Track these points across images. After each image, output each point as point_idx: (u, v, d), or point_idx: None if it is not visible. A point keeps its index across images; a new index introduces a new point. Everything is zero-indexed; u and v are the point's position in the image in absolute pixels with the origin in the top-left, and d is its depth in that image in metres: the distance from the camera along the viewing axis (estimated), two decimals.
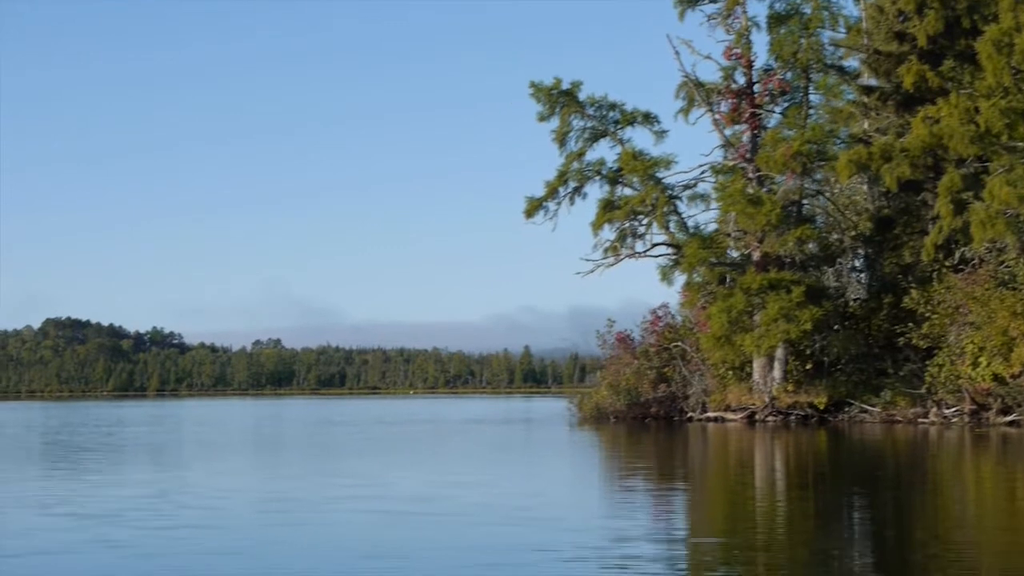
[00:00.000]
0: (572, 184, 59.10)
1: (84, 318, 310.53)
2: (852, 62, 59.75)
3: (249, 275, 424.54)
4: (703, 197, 59.37)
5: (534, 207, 58.82)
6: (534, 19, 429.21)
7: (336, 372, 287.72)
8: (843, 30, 58.75)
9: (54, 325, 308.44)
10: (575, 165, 58.92)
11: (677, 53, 57.52)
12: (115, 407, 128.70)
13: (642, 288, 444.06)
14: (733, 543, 16.91)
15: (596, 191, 59.25)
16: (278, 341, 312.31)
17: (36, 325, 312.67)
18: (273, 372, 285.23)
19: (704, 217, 60.19)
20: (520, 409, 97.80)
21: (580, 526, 18.61)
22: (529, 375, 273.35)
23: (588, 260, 58.28)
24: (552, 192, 58.88)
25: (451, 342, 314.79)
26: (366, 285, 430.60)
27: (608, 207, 58.34)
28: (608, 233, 58.39)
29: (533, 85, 58.66)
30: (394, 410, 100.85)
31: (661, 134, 59.01)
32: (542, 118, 58.87)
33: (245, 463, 36.16)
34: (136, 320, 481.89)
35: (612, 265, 58.17)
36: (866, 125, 58.01)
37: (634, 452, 39.56)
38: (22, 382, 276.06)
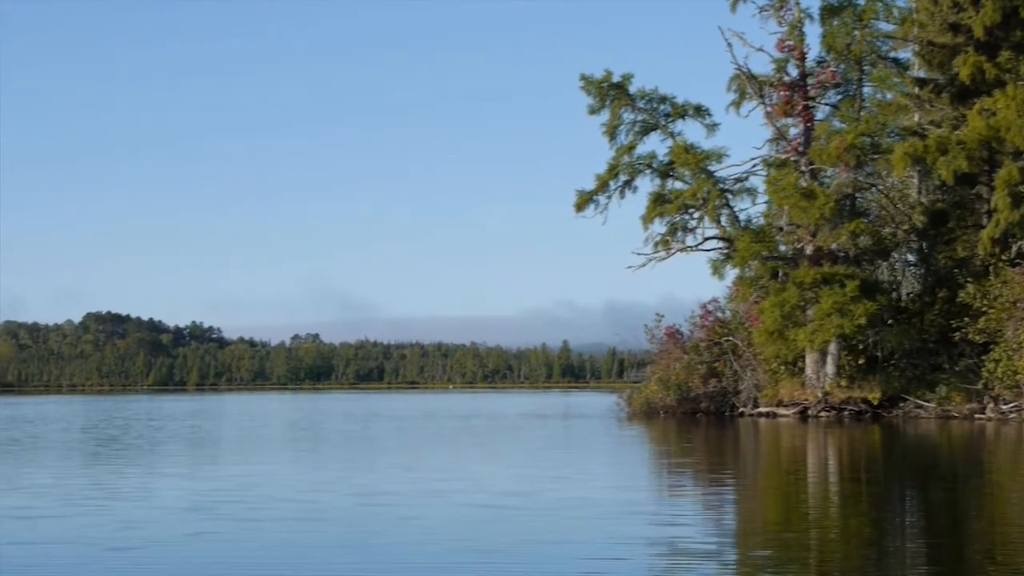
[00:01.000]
0: (622, 178, 58.76)
1: (124, 312, 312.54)
2: (903, 53, 59.17)
3: (287, 269, 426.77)
4: (754, 191, 59.14)
5: (584, 201, 58.49)
6: (584, 11, 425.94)
7: (374, 367, 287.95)
8: (893, 22, 58.20)
9: (94, 319, 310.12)
10: (625, 159, 58.59)
11: (729, 45, 57.09)
12: (159, 401, 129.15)
13: (681, 283, 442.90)
14: (788, 539, 16.74)
15: (646, 185, 59.05)
16: (316, 336, 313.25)
17: (77, 319, 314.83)
18: (312, 367, 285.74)
19: (755, 211, 59.23)
20: (565, 404, 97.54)
21: (681, 521, 18.61)
22: (567, 370, 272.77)
23: (639, 254, 58.00)
24: (602, 186, 58.54)
25: (487, 337, 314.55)
26: (402, 279, 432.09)
27: (658, 201, 57.96)
28: (658, 227, 58.16)
29: (583, 78, 58.37)
30: (439, 404, 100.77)
31: (712, 127, 58.67)
32: (592, 111, 58.56)
33: (318, 456, 36.15)
34: (175, 314, 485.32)
35: (663, 259, 57.87)
36: (916, 118, 57.45)
37: (690, 447, 39.20)
38: (63, 376, 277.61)
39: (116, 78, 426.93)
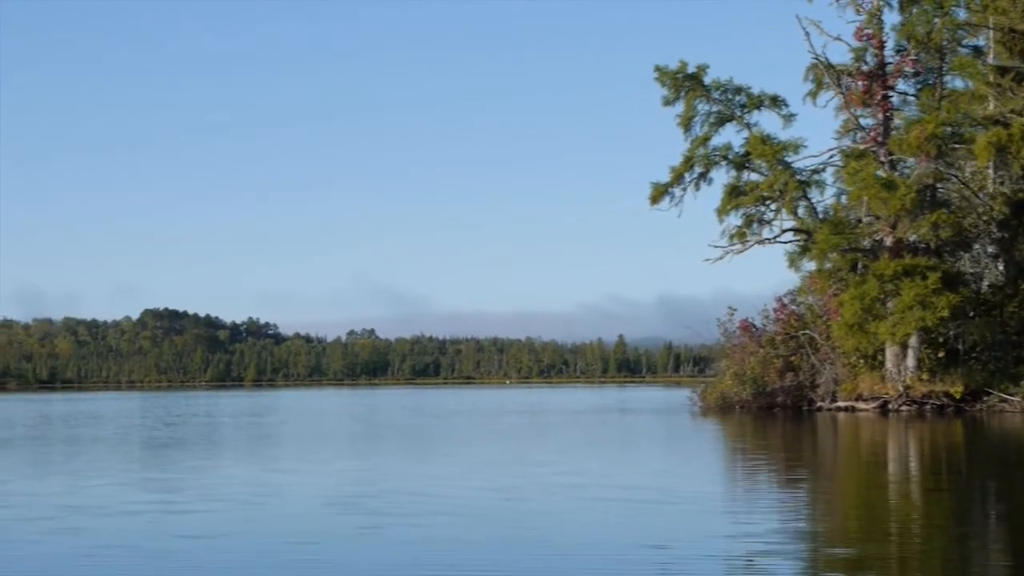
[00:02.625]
0: (698, 169, 58.14)
1: (181, 309, 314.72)
2: (980, 41, 58.19)
3: (342, 264, 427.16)
4: (832, 182, 58.45)
5: (660, 193, 57.92)
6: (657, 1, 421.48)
7: (430, 362, 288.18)
8: (975, 9, 57.19)
9: (152, 316, 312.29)
10: (700, 150, 57.95)
11: (807, 34, 56.23)
12: (223, 397, 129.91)
13: (735, 277, 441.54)
14: (869, 536, 16.30)
15: (721, 176, 58.41)
16: (372, 331, 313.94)
17: (135, 316, 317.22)
18: (368, 362, 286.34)
19: (830, 202, 58.37)
20: (631, 399, 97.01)
21: (761, 518, 18.25)
22: (623, 364, 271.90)
23: (716, 247, 57.35)
24: (678, 178, 57.92)
25: (539, 331, 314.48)
26: (454, 274, 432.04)
27: (734, 193, 57.32)
28: (734, 220, 57.52)
29: (658, 69, 57.76)
30: (505, 399, 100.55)
31: (789, 118, 57.82)
32: (667, 102, 57.98)
33: (419, 451, 36.02)
34: (232, 310, 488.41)
35: (740, 252, 57.20)
36: (991, 106, 56.44)
37: (770, 443, 38.61)
38: (122, 372, 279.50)
39: (166, 68, 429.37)
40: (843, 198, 58.72)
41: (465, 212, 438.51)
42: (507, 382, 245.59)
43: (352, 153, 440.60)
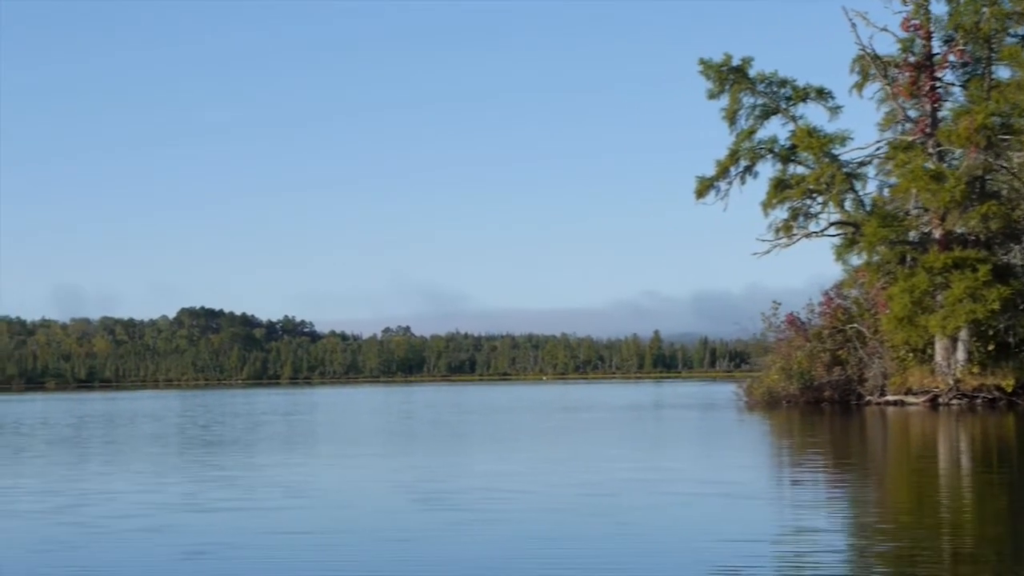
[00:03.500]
0: (743, 163, 57.74)
1: (217, 307, 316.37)
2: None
3: (376, 262, 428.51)
4: (875, 174, 57.96)
5: (705, 187, 57.55)
6: None
7: (466, 359, 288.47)
8: None
9: (188, 315, 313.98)
10: (746, 144, 57.53)
11: (853, 25, 55.79)
12: (264, 395, 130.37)
13: (767, 273, 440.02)
14: (919, 531, 16.18)
15: (767, 170, 58.00)
16: (407, 328, 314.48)
17: (171, 315, 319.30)
18: (403, 359, 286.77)
19: (875, 195, 57.84)
20: (671, 394, 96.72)
21: (817, 513, 18.13)
22: (659, 360, 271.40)
23: (763, 240, 56.95)
24: (723, 171, 57.54)
25: (573, 328, 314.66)
26: (489, 271, 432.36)
27: (780, 186, 56.89)
28: (779, 213, 57.10)
29: (702, 62, 57.40)
30: (548, 396, 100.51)
31: (835, 110, 57.41)
32: (712, 96, 57.57)
33: (480, 448, 35.97)
34: (267, 309, 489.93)
35: (787, 246, 56.79)
36: None
37: (824, 438, 38.28)
38: (159, 371, 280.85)
39: (203, 66, 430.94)
40: (885, 191, 58.22)
41: (500, 209, 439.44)
42: (543, 378, 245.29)
43: (388, 151, 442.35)
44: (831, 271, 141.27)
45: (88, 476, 27.08)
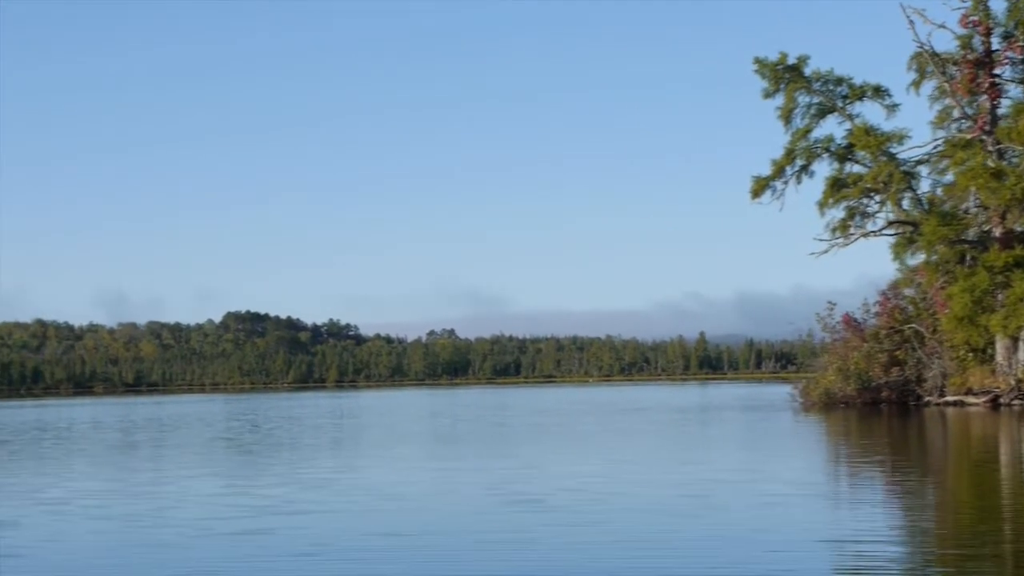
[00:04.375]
0: (799, 162, 57.35)
1: (263, 311, 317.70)
2: None
3: (420, 265, 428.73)
4: (927, 173, 57.41)
5: (761, 186, 57.21)
6: None
7: (511, 361, 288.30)
8: None
9: (234, 319, 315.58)
10: (802, 143, 57.12)
11: (911, 22, 55.35)
12: (313, 398, 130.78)
13: (812, 274, 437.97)
14: (982, 535, 15.94)
15: (823, 169, 57.60)
16: (452, 331, 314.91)
17: (217, 319, 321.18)
18: (448, 362, 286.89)
19: (932, 194, 57.28)
20: (723, 395, 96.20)
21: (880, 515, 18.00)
22: (704, 362, 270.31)
23: (820, 240, 56.54)
24: (779, 171, 57.21)
25: (617, 329, 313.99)
26: (531, 273, 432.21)
27: (836, 185, 56.47)
28: (836, 212, 56.69)
29: (757, 61, 57.13)
30: (599, 397, 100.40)
31: (892, 108, 57.01)
32: (767, 95, 57.28)
33: (555, 448, 35.93)
34: (312, 312, 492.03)
35: (844, 245, 56.34)
36: None
37: (886, 440, 37.90)
38: (205, 375, 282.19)
39: (238, 63, 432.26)
40: (938, 190, 57.67)
41: (543, 211, 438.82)
42: (589, 380, 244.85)
43: (432, 153, 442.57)
44: (877, 271, 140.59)
45: (171, 479, 27.26)
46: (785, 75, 56.82)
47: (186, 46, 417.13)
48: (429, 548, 15.41)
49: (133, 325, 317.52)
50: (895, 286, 60.01)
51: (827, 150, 57.14)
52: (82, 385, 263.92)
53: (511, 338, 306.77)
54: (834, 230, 56.69)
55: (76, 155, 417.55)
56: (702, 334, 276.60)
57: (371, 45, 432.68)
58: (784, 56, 56.78)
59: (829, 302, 62.97)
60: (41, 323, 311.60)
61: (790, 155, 57.06)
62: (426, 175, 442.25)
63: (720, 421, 51.77)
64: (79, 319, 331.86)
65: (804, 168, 57.42)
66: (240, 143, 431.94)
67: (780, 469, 26.66)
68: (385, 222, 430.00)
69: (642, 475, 25.11)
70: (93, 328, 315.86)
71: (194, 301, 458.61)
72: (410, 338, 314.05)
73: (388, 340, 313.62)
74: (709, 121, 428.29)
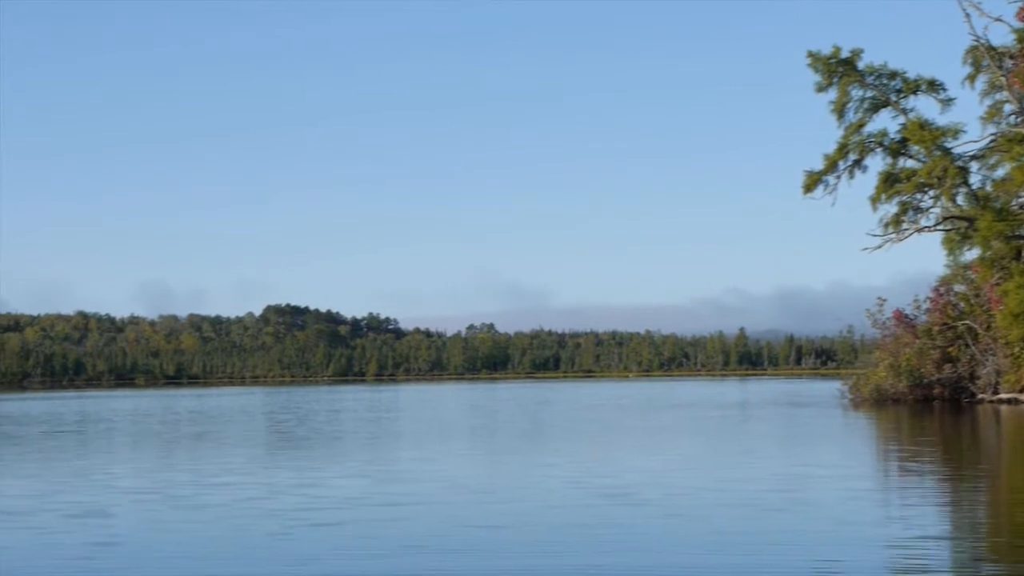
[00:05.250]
0: (852, 157, 56.82)
1: (303, 304, 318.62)
2: None
3: (459, 259, 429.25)
4: (978, 168, 56.77)
5: (813, 181, 56.74)
6: None
7: (550, 356, 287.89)
8: None
9: (274, 312, 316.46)
10: (855, 137, 56.58)
11: (967, 16, 54.70)
12: (356, 391, 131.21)
13: (850, 271, 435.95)
14: None
15: (876, 164, 57.06)
16: (491, 325, 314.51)
17: (257, 312, 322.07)
18: (488, 356, 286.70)
19: (985, 189, 56.61)
20: (769, 391, 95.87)
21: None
22: (744, 357, 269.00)
23: (874, 235, 56.03)
24: (832, 166, 56.69)
25: (656, 324, 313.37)
26: (572, 268, 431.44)
27: (889, 180, 55.93)
28: (888, 208, 56.15)
29: (811, 55, 56.65)
30: (645, 393, 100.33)
31: (947, 102, 56.37)
32: (820, 89, 56.85)
33: (624, 443, 35.87)
34: (352, 306, 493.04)
35: (899, 241, 55.80)
36: None
37: (942, 437, 37.62)
38: (245, 368, 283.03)
39: (280, 54, 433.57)
40: (987, 184, 57.01)
41: (582, 206, 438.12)
42: (629, 375, 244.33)
43: (472, 148, 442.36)
44: (913, 268, 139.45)
45: (244, 471, 27.42)
46: (838, 69, 56.33)
47: (226, 38, 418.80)
48: (536, 542, 15.42)
49: (174, 317, 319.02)
50: (946, 282, 59.43)
51: (880, 144, 56.61)
52: (123, 377, 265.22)
53: (550, 333, 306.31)
54: (886, 225, 56.19)
55: (120, 147, 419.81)
56: (742, 330, 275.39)
57: (422, 38, 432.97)
58: (838, 50, 56.33)
59: (879, 298, 62.64)
60: (83, 315, 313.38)
61: (843, 150, 56.53)
62: (469, 169, 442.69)
63: (775, 417, 51.46)
64: (121, 311, 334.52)
65: (857, 163, 56.92)
66: (284, 136, 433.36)
67: (849, 465, 26.57)
68: (425, 216, 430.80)
69: (720, 471, 25.16)
70: (134, 320, 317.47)
71: (235, 294, 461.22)
72: (449, 332, 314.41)
73: (428, 334, 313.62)
74: (752, 118, 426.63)
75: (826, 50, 56.51)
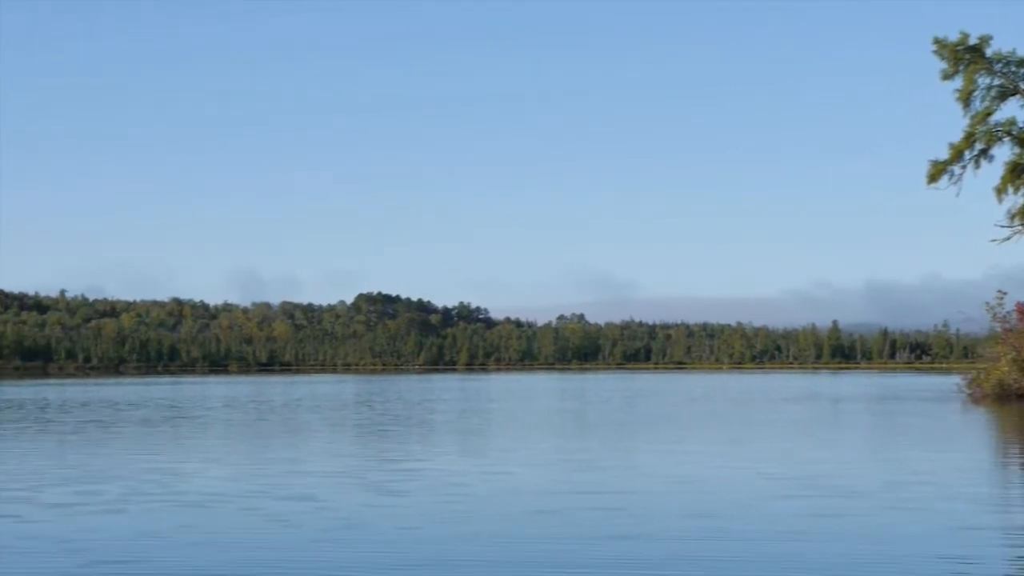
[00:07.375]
0: (978, 146, 55.53)
1: (394, 293, 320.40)
2: None
3: (549, 249, 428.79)
4: None
5: (939, 171, 55.52)
6: None
7: (640, 347, 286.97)
8: None
9: (366, 300, 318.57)
10: (981, 126, 55.30)
11: None
12: (452, 380, 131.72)
13: (943, 264, 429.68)
14: None
15: (1003, 153, 55.73)
16: (582, 316, 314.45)
17: (349, 300, 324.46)
18: (578, 347, 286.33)
19: None
20: (875, 385, 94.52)
21: None
22: (837, 350, 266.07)
23: (1001, 227, 54.75)
24: (957, 155, 55.41)
25: (745, 316, 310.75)
26: (661, 259, 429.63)
27: (1016, 170, 54.61)
28: (1015, 199, 54.79)
29: (937, 42, 55.33)
30: (750, 386, 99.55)
31: None
32: (946, 77, 55.45)
33: (769, 437, 35.17)
34: (443, 295, 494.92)
35: None
36: None
37: None
38: (337, 356, 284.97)
39: (373, 44, 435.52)
40: None
41: (672, 198, 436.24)
42: (723, 367, 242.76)
43: (565, 140, 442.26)
44: (1009, 262, 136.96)
45: (427, 456, 27.52)
46: (965, 56, 54.98)
47: (307, 22, 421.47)
48: (746, 533, 15.14)
49: (267, 305, 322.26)
50: None
51: (1008, 133, 55.27)
52: (217, 364, 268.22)
53: (641, 324, 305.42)
54: (1013, 216, 54.90)
55: (217, 137, 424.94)
56: (835, 322, 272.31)
57: (525, 31, 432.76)
58: (965, 37, 54.97)
59: (999, 291, 61.22)
60: (178, 302, 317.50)
61: (969, 139, 55.23)
62: (560, 161, 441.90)
63: (899, 413, 50.33)
64: (214, 298, 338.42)
65: (984, 152, 55.58)
66: (381, 125, 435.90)
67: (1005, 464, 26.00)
68: (517, 207, 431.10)
69: (904, 463, 24.80)
70: (228, 307, 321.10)
71: (327, 282, 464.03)
72: (540, 322, 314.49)
73: (518, 324, 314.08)
74: (844, 112, 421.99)
75: (952, 37, 55.46)
